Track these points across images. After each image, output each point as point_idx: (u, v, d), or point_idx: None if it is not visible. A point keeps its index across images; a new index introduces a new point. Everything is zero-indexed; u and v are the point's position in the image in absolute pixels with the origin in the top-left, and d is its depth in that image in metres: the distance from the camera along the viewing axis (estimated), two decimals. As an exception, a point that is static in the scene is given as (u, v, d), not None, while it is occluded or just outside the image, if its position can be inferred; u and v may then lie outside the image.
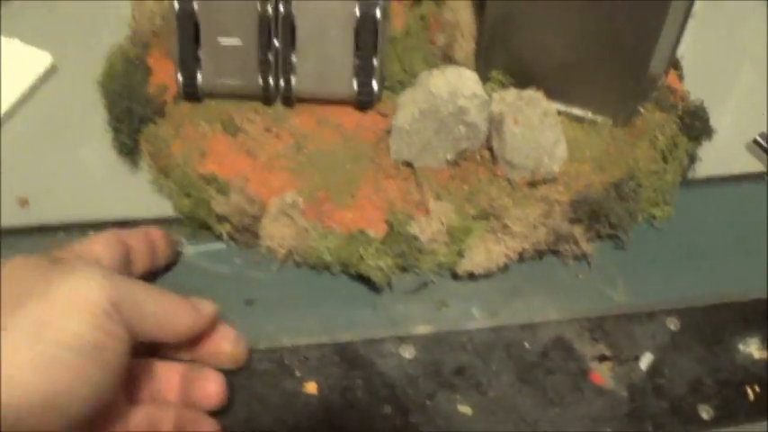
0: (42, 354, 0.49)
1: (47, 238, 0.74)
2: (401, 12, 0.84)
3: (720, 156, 0.82)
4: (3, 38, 0.84)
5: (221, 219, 0.70)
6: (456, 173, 0.73)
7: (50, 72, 0.84)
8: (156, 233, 0.67)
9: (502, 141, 0.71)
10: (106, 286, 0.53)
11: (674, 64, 0.82)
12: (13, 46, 0.84)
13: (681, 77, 0.83)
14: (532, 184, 0.72)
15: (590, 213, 0.71)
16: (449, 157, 0.73)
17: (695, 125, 0.78)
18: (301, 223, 0.69)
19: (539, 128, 0.71)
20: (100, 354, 0.51)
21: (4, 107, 0.81)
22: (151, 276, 0.68)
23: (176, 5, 0.73)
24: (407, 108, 0.71)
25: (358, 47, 0.74)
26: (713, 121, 0.79)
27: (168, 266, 0.71)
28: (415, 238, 0.68)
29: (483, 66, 0.77)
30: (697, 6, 0.73)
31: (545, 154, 0.71)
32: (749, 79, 0.90)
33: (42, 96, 0.83)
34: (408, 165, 0.73)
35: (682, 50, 0.79)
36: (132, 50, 0.80)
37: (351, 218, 0.70)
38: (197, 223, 0.71)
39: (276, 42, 0.74)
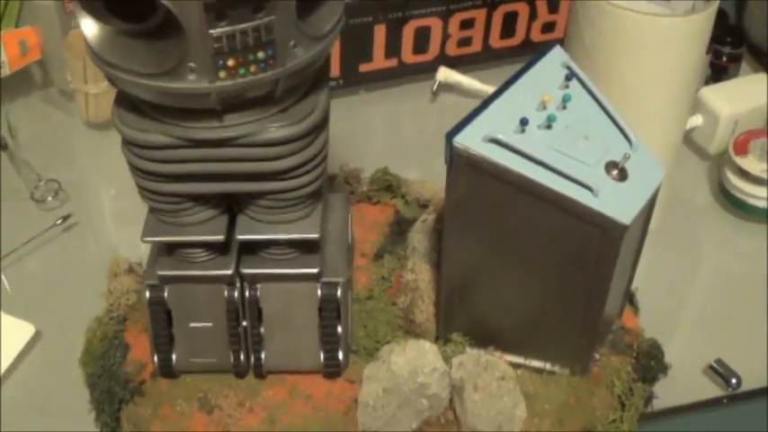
0: None
1: None
2: (365, 267, 0.88)
3: (677, 386, 0.85)
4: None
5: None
6: (422, 439, 0.76)
7: (34, 340, 0.87)
8: None
9: (463, 408, 0.75)
10: None
11: (630, 298, 0.86)
12: (-3, 318, 0.88)
13: (636, 310, 0.87)
14: (495, 446, 0.75)
15: (551, 477, 0.74)
16: (414, 426, 0.76)
17: (650, 365, 0.82)
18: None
19: (497, 394, 0.75)
20: None
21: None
22: None
23: (147, 294, 0.77)
24: (371, 384, 0.75)
25: (323, 323, 0.78)
26: (668, 351, 0.83)
27: None
28: None
29: (443, 327, 0.81)
30: (652, 225, 0.78)
31: (505, 419, 0.75)
32: (703, 300, 0.96)
33: (26, 369, 0.87)
34: (376, 434, 0.76)
35: (636, 282, 0.83)
36: (110, 325, 0.84)
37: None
38: None
39: (244, 323, 0.78)
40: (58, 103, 1.16)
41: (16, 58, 1.11)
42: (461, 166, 0.68)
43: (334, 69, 1.13)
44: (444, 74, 1.17)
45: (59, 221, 0.97)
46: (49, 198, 1.02)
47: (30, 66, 1.15)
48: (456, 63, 1.20)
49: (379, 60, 1.18)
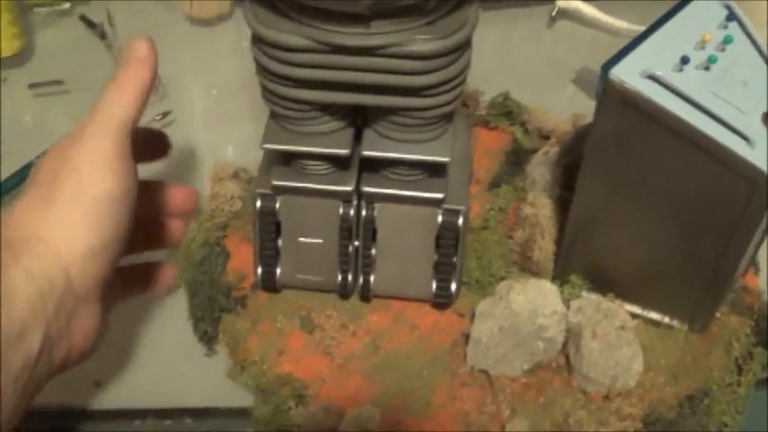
0: (87, 209, 0.57)
1: (121, 424, 0.74)
2: (479, 195, 0.84)
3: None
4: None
5: (298, 426, 0.70)
6: (531, 382, 0.74)
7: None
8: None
9: (579, 354, 0.71)
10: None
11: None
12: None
13: (757, 271, 0.83)
14: (606, 397, 0.72)
15: (662, 433, 0.70)
16: (525, 367, 0.73)
17: (771, 330, 0.77)
18: (377, 437, 0.69)
19: (616, 344, 0.71)
20: (126, 199, 0.59)
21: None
22: None
23: (258, 203, 0.73)
24: (486, 321, 0.71)
25: (438, 250, 0.74)
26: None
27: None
28: (490, 459, 0.68)
29: (561, 268, 0.77)
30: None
31: (621, 369, 0.72)
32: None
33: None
34: (484, 372, 0.73)
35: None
36: (211, 231, 0.81)
37: (426, 430, 0.70)
38: (275, 428, 0.71)
39: (357, 243, 0.74)
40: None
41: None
42: (613, 100, 0.64)
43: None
44: (565, -1, 1.11)
45: (159, 117, 0.93)
46: (148, 92, 0.97)
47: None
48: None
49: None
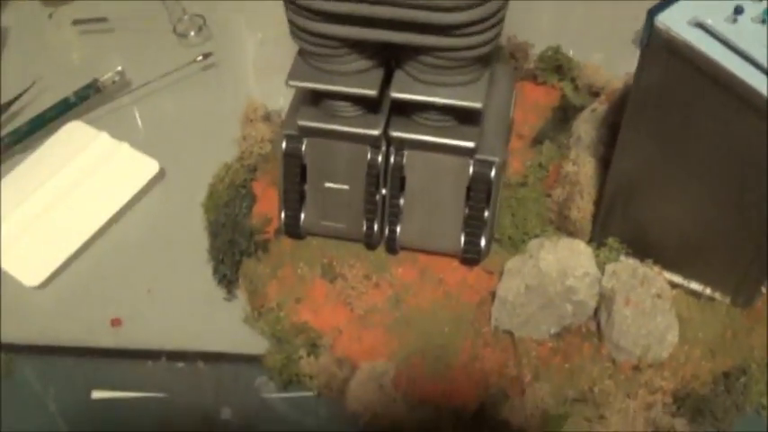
0: None
1: (134, 364, 0.73)
2: (521, 151, 0.80)
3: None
4: (110, 140, 0.83)
5: (310, 376, 0.67)
6: (559, 346, 0.70)
7: (157, 179, 0.82)
8: None
9: (610, 321, 0.68)
10: None
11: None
12: (120, 149, 0.83)
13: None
14: (637, 368, 0.68)
15: (694, 409, 0.67)
16: (552, 331, 0.69)
17: (820, 309, 0.72)
18: (390, 393, 0.66)
19: (650, 312, 0.67)
20: None
21: (110, 213, 0.80)
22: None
23: (283, 144, 0.71)
24: (513, 279, 0.68)
25: (469, 203, 0.70)
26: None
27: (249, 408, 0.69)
28: (506, 422, 0.65)
29: (599, 230, 0.73)
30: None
31: (654, 340, 0.68)
32: None
33: (147, 206, 0.82)
34: (509, 333, 0.69)
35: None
36: (239, 173, 0.78)
37: (443, 390, 0.68)
38: (287, 377, 0.68)
39: (384, 191, 0.71)
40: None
41: None
42: (659, 49, 0.59)
43: None
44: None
45: (200, 58, 0.91)
46: (192, 33, 0.96)
47: None
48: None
49: None
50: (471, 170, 0.69)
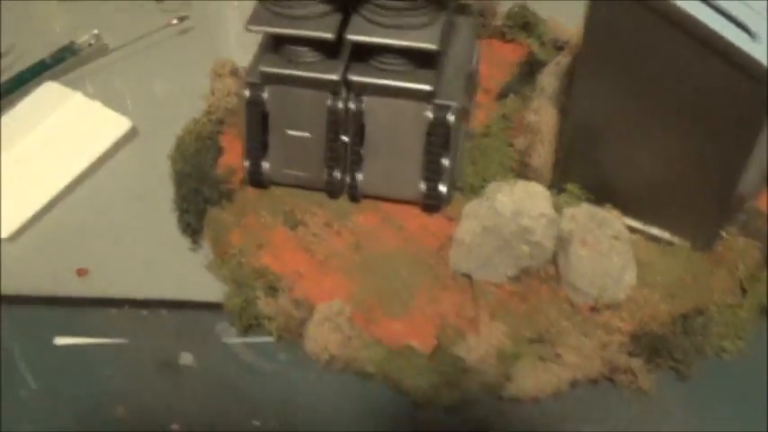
0: None
1: (97, 312, 0.73)
2: (486, 105, 0.81)
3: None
4: (84, 99, 0.84)
5: (269, 318, 0.68)
6: (517, 289, 0.70)
7: (128, 137, 0.83)
8: None
9: (567, 263, 0.68)
10: None
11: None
12: (93, 108, 0.84)
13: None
14: (595, 309, 0.68)
15: (651, 349, 0.67)
16: (510, 273, 0.70)
17: (782, 255, 0.72)
18: (347, 331, 0.67)
19: (607, 253, 0.67)
20: None
21: (81, 168, 0.81)
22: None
23: (246, 92, 0.71)
24: (470, 221, 0.68)
25: (428, 149, 0.71)
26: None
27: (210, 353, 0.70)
28: (462, 359, 0.65)
29: (560, 176, 0.73)
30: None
31: (611, 281, 0.68)
32: None
33: (119, 162, 0.83)
34: (467, 276, 0.70)
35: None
36: (206, 127, 0.79)
37: (399, 329, 0.68)
38: (246, 320, 0.69)
39: (345, 138, 0.71)
40: None
41: None
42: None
43: None
44: None
45: (175, 21, 0.93)
46: (170, -2, 0.96)
47: None
48: None
49: None
50: (430, 115, 0.70)
